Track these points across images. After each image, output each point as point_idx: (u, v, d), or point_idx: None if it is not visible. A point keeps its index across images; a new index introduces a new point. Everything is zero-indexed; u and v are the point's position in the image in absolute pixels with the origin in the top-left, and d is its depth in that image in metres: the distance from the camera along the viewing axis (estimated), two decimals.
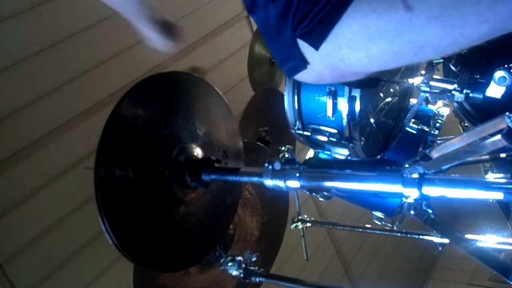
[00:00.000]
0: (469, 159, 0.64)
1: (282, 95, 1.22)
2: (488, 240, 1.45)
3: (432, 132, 1.48)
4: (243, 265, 1.20)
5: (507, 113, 0.59)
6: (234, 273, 1.19)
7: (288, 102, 1.20)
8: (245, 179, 0.91)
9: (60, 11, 1.63)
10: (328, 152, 1.36)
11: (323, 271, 3.11)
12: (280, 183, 0.83)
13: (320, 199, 1.61)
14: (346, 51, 0.72)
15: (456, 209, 4.71)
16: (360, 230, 1.91)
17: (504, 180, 0.61)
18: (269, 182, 0.84)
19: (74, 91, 1.68)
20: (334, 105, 1.12)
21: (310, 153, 1.46)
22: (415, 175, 0.68)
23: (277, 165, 0.83)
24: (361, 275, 3.51)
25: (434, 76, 1.27)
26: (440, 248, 1.54)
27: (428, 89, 1.25)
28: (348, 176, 0.78)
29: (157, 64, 1.96)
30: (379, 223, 1.57)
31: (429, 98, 1.29)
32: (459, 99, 1.22)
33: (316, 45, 0.73)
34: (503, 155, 1.63)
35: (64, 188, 1.63)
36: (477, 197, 0.63)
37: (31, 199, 1.55)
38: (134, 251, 0.85)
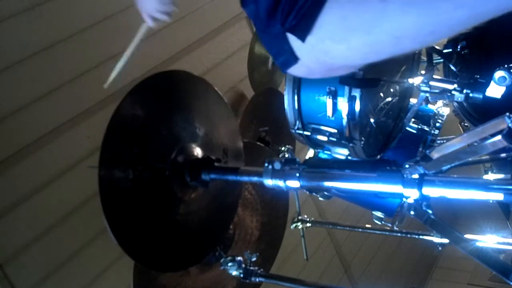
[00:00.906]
0: (469, 159, 0.64)
1: (282, 95, 1.22)
2: (488, 240, 1.45)
3: (432, 132, 1.48)
4: (243, 265, 1.20)
5: (507, 114, 0.59)
6: (234, 273, 1.19)
7: (288, 102, 1.20)
8: (245, 178, 0.91)
9: (60, 11, 1.63)
10: (328, 152, 1.36)
11: (323, 271, 3.11)
12: (280, 183, 0.83)
13: (320, 199, 1.61)
14: (328, 44, 0.72)
15: (456, 209, 4.71)
16: (360, 230, 1.91)
17: (504, 181, 0.61)
18: (269, 182, 0.84)
19: (74, 91, 1.68)
20: (334, 105, 1.12)
21: (310, 153, 1.46)
22: (415, 176, 0.68)
23: (277, 165, 0.83)
24: (361, 275, 3.51)
25: (434, 76, 1.27)
26: (440, 248, 1.54)
27: (428, 89, 1.25)
28: (348, 176, 0.78)
29: (157, 64, 1.96)
30: (379, 223, 1.57)
31: (429, 98, 1.29)
32: (459, 99, 1.22)
33: (302, 37, 0.72)
34: (503, 155, 1.63)
35: (64, 188, 1.63)
36: (477, 198, 0.63)
37: (31, 199, 1.55)
38: (134, 251, 0.85)
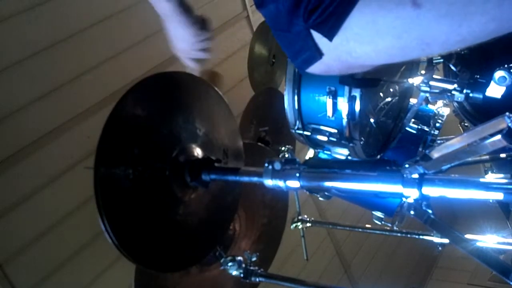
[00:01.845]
0: (469, 159, 0.64)
1: (282, 95, 1.22)
2: (488, 240, 1.45)
3: (432, 132, 1.48)
4: (243, 265, 1.20)
5: (507, 113, 0.59)
6: (234, 273, 1.19)
7: (288, 102, 1.20)
8: (245, 179, 0.91)
9: (60, 11, 1.63)
10: (328, 152, 1.36)
11: (323, 271, 3.11)
12: (280, 183, 0.83)
13: (320, 199, 1.61)
14: (353, 45, 0.73)
15: (456, 209, 4.72)
16: (360, 230, 1.91)
17: (504, 180, 0.61)
18: (269, 182, 0.84)
19: (74, 91, 1.69)
20: (334, 105, 1.12)
21: (310, 153, 1.46)
22: (415, 175, 0.68)
23: (277, 165, 0.83)
24: (361, 275, 3.51)
25: (434, 76, 1.27)
26: (440, 248, 1.54)
27: (428, 89, 1.25)
28: (348, 176, 0.78)
29: (157, 64, 1.96)
30: (379, 223, 1.57)
31: (429, 98, 1.29)
32: (459, 99, 1.22)
33: (329, 36, 0.73)
34: (503, 155, 1.63)
35: (64, 188, 1.63)
36: (477, 198, 0.63)
37: (31, 199, 1.55)
38: (134, 251, 0.85)
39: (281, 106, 1.23)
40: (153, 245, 0.91)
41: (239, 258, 1.21)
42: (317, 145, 1.31)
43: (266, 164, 0.84)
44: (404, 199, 1.33)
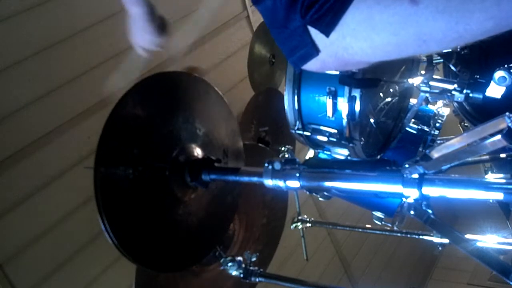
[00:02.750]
0: (469, 159, 0.64)
1: (282, 95, 1.22)
2: (488, 240, 1.45)
3: (432, 132, 1.48)
4: (243, 265, 1.20)
5: (507, 113, 0.59)
6: (234, 273, 1.19)
7: (288, 102, 1.20)
8: (245, 179, 0.91)
9: (60, 11, 1.63)
10: (328, 152, 1.36)
11: (323, 271, 3.11)
12: (280, 183, 0.83)
13: (320, 199, 1.61)
14: (349, 41, 0.72)
15: (456, 209, 4.71)
16: (360, 230, 1.91)
17: (504, 180, 0.61)
18: (269, 182, 0.84)
19: (74, 91, 1.68)
20: (334, 105, 1.12)
21: (310, 153, 1.46)
22: (415, 175, 0.68)
23: (277, 165, 0.83)
24: (361, 275, 3.51)
25: (434, 76, 1.27)
26: (440, 248, 1.54)
27: (428, 89, 1.25)
28: (348, 176, 0.78)
29: (157, 64, 1.96)
30: (379, 223, 1.57)
31: (429, 98, 1.29)
32: (459, 99, 1.22)
33: (326, 31, 0.73)
34: (503, 155, 1.63)
35: (64, 188, 1.63)
36: (477, 197, 0.63)
37: (31, 199, 1.55)
38: (134, 251, 0.85)
39: (281, 106, 1.23)
40: (153, 245, 0.91)
41: (239, 258, 1.21)
42: (317, 145, 1.31)
43: (266, 164, 0.84)
44: (404, 199, 1.33)
